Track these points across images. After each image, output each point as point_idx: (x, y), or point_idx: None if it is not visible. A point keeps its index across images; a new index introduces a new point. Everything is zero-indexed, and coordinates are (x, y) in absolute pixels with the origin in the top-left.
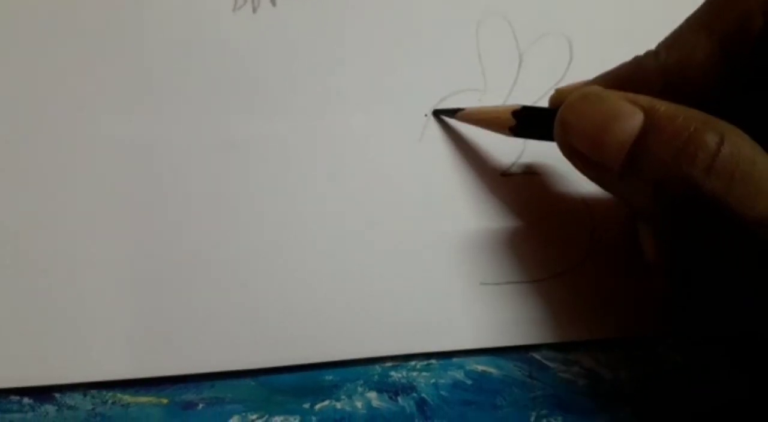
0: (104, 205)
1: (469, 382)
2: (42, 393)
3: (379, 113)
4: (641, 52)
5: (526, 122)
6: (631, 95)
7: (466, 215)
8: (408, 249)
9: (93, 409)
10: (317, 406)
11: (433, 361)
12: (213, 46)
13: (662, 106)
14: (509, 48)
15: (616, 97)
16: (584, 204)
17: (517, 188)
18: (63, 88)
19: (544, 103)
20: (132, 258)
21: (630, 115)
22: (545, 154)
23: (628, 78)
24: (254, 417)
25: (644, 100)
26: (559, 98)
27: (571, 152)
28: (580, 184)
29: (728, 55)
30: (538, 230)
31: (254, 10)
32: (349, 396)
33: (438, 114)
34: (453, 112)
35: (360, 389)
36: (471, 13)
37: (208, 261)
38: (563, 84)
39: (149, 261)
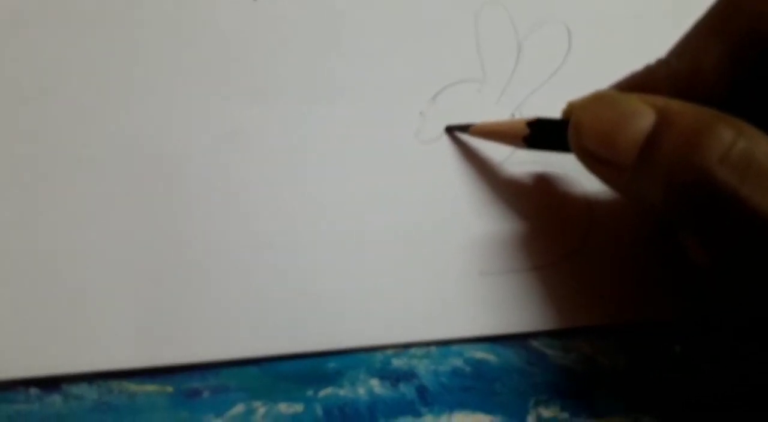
0: (107, 195)
1: (468, 369)
2: (48, 383)
3: (378, 103)
4: (640, 40)
5: (541, 133)
6: (644, 96)
7: (465, 205)
8: (408, 239)
9: (99, 398)
10: (321, 393)
11: (432, 349)
12: (213, 34)
13: (676, 105)
14: (508, 37)
15: (629, 98)
16: (582, 191)
17: (515, 177)
18: (60, 79)
19: (544, 93)
20: (135, 248)
21: (642, 114)
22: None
23: (639, 86)
24: (258, 404)
25: (658, 99)
26: (571, 110)
27: (584, 153)
28: (579, 172)
29: (739, 60)
30: (536, 218)
31: None
32: (352, 383)
33: (450, 130)
34: (465, 128)
35: (362, 376)
36: (469, 2)
37: (211, 250)
38: (562, 73)
39: (153, 250)
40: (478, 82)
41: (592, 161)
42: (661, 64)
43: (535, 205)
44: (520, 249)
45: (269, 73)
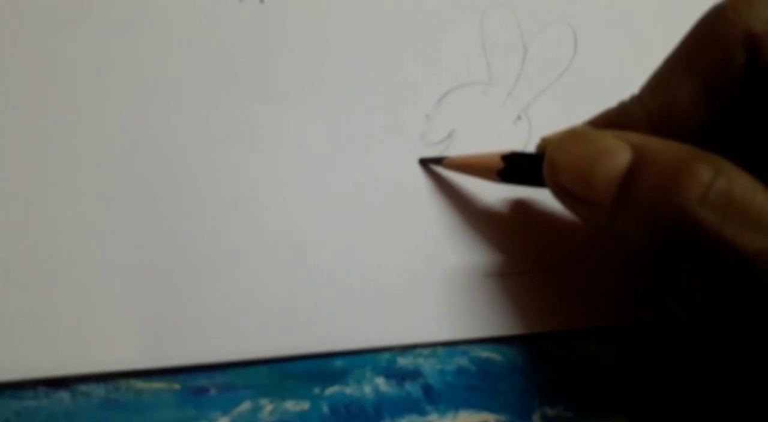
0: (112, 196)
1: (473, 368)
2: (56, 381)
3: (383, 105)
4: (645, 42)
5: (516, 167)
6: (619, 132)
7: (471, 207)
8: (414, 244)
9: (106, 395)
10: (327, 391)
11: (438, 348)
12: (220, 36)
13: (652, 142)
14: (514, 39)
15: (603, 135)
16: None
17: None
18: (64, 79)
19: (550, 95)
20: (142, 248)
21: (618, 151)
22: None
23: (613, 123)
24: (265, 401)
25: (633, 136)
26: (546, 145)
27: (560, 191)
28: None
29: (713, 95)
30: (541, 221)
31: (261, 0)
32: (358, 382)
33: (424, 163)
34: (439, 161)
35: (368, 375)
36: (475, 4)
37: (217, 251)
38: (568, 75)
39: (159, 251)
40: (483, 84)
41: (568, 199)
42: (635, 101)
43: (540, 208)
44: (524, 251)
45: (272, 74)
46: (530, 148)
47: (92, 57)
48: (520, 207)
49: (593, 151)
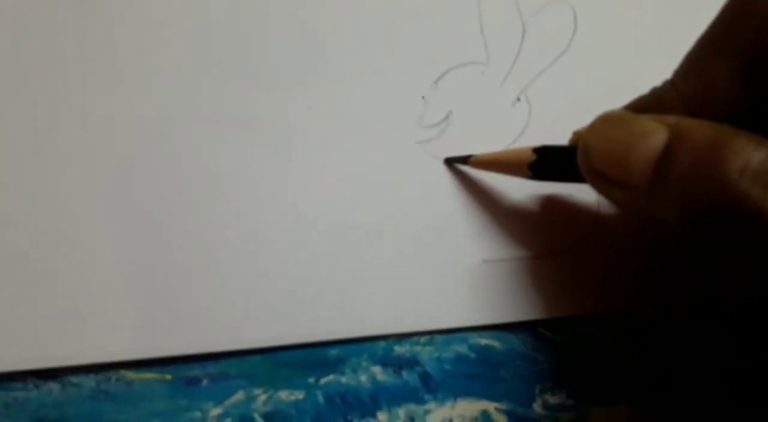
0: (103, 185)
1: (472, 356)
2: (46, 371)
3: (379, 87)
4: (647, 21)
5: (548, 159)
6: (655, 116)
7: (469, 191)
8: (411, 228)
9: (97, 386)
10: (322, 380)
11: (436, 336)
12: (208, 19)
13: (688, 121)
14: (512, 18)
15: (639, 117)
16: None
17: None
18: (55, 66)
19: (550, 76)
20: (132, 238)
21: (654, 132)
22: (546, 132)
23: (647, 110)
24: (259, 391)
25: (670, 118)
26: (578, 139)
27: (594, 176)
28: None
29: (752, 75)
30: (541, 205)
31: None
32: (354, 371)
33: (449, 162)
34: (464, 160)
35: (364, 363)
36: None
37: (209, 239)
38: (568, 55)
39: (150, 241)
40: (481, 64)
41: (603, 183)
42: (669, 87)
43: (542, 193)
44: (525, 236)
45: (266, 58)
46: (529, 131)
47: (84, 44)
48: (520, 191)
49: (629, 134)
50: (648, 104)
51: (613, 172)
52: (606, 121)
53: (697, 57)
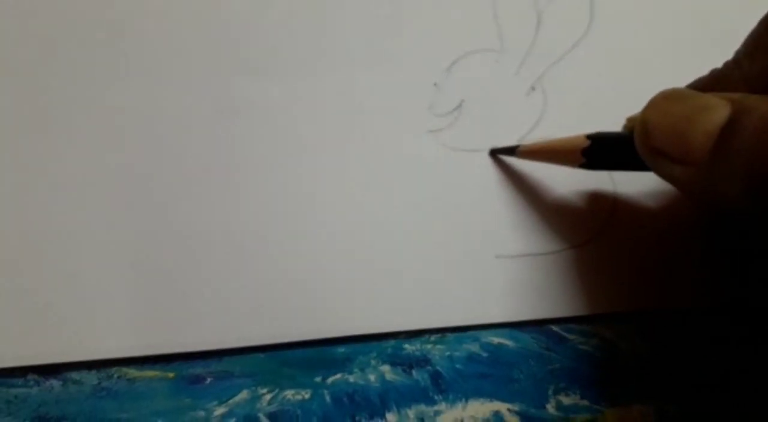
0: (103, 181)
1: (484, 355)
2: (47, 368)
3: (389, 74)
4: (665, 9)
5: (601, 146)
6: (717, 93)
7: (479, 185)
8: (421, 221)
9: (99, 384)
10: (329, 380)
11: (447, 334)
12: (214, 8)
13: (753, 97)
14: (527, 6)
15: (700, 93)
16: (606, 176)
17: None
18: (54, 55)
19: (564, 65)
20: (137, 234)
21: (716, 106)
22: (562, 122)
23: (708, 90)
24: (264, 391)
25: (733, 94)
26: (633, 125)
27: (653, 154)
28: None
29: None
30: (556, 201)
31: None
32: (362, 369)
33: (494, 154)
34: (511, 150)
35: (373, 362)
36: None
37: (214, 235)
38: (584, 43)
39: (152, 236)
40: (495, 52)
41: (662, 162)
42: (732, 67)
43: (556, 189)
44: (539, 232)
45: (271, 44)
46: (544, 121)
47: (83, 34)
48: (534, 186)
49: (689, 109)
50: (708, 84)
51: (673, 148)
52: (666, 97)
53: (762, 36)
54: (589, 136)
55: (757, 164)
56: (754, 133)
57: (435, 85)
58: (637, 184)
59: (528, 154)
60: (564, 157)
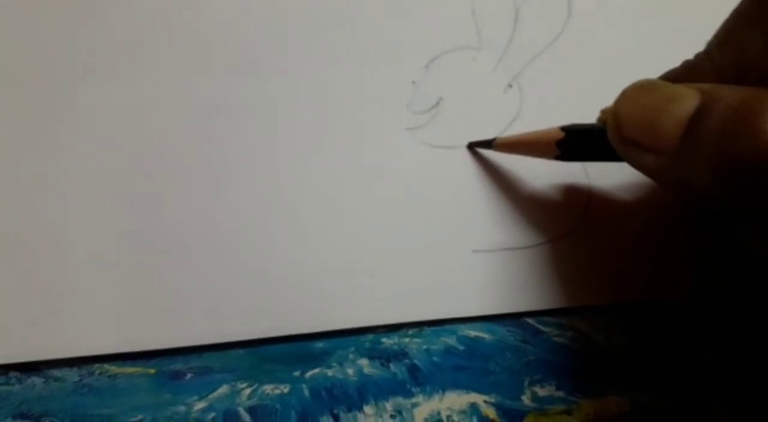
0: (87, 178)
1: (461, 348)
2: (28, 365)
3: (367, 72)
4: (642, 6)
5: (575, 138)
6: (689, 84)
7: (458, 180)
8: (398, 217)
9: (80, 380)
10: (308, 374)
11: (425, 328)
12: (197, 6)
13: (723, 86)
14: (505, 2)
15: (671, 84)
16: (580, 170)
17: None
18: (45, 54)
19: (542, 61)
20: (117, 231)
21: (686, 96)
22: (539, 119)
23: (679, 82)
24: (244, 385)
25: (703, 85)
26: (605, 116)
27: (625, 144)
28: None
29: None
30: (531, 196)
31: None
32: (341, 364)
33: (472, 146)
34: (488, 143)
35: (351, 356)
36: None
37: (193, 232)
38: (562, 40)
39: (133, 234)
40: (473, 49)
41: (632, 150)
42: (703, 58)
43: (532, 184)
44: (515, 227)
45: (252, 43)
46: (521, 118)
47: (67, 34)
48: (510, 182)
49: (660, 99)
50: (680, 76)
51: (644, 137)
52: (637, 88)
53: (734, 26)
54: (564, 128)
55: (724, 152)
56: (721, 121)
57: (413, 83)
58: (611, 178)
59: (504, 146)
60: (539, 149)
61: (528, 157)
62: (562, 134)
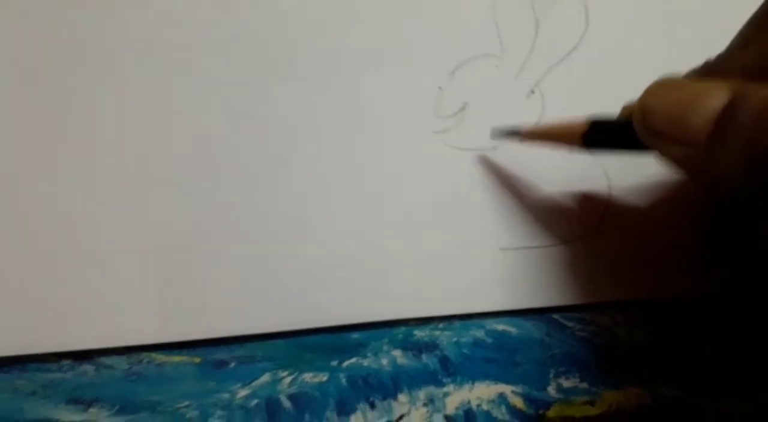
0: (130, 176)
1: (489, 341)
2: (80, 355)
3: (393, 79)
4: (657, 17)
5: (600, 130)
6: (714, 80)
7: (485, 180)
8: (430, 216)
9: (129, 368)
10: (345, 363)
11: (455, 321)
12: (223, 12)
13: (752, 84)
14: (526, 13)
15: (698, 81)
16: (602, 169)
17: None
18: (73, 58)
19: (561, 70)
20: (162, 227)
21: (715, 91)
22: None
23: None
24: (285, 374)
25: (731, 81)
26: (628, 111)
27: (652, 134)
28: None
29: None
30: (556, 195)
31: None
32: (375, 354)
33: (497, 134)
34: (515, 132)
35: (385, 347)
36: None
37: (235, 228)
38: (579, 51)
39: (178, 230)
40: (496, 57)
41: (660, 142)
42: (725, 57)
43: (556, 183)
44: (540, 225)
45: (285, 51)
46: (543, 122)
47: (97, 39)
48: (535, 184)
49: (688, 94)
50: (701, 75)
51: (673, 130)
52: (665, 84)
53: (757, 24)
54: (589, 119)
55: (757, 144)
56: (754, 114)
57: (440, 89)
58: (631, 179)
59: (531, 135)
60: (565, 140)
61: (553, 150)
62: (586, 126)
